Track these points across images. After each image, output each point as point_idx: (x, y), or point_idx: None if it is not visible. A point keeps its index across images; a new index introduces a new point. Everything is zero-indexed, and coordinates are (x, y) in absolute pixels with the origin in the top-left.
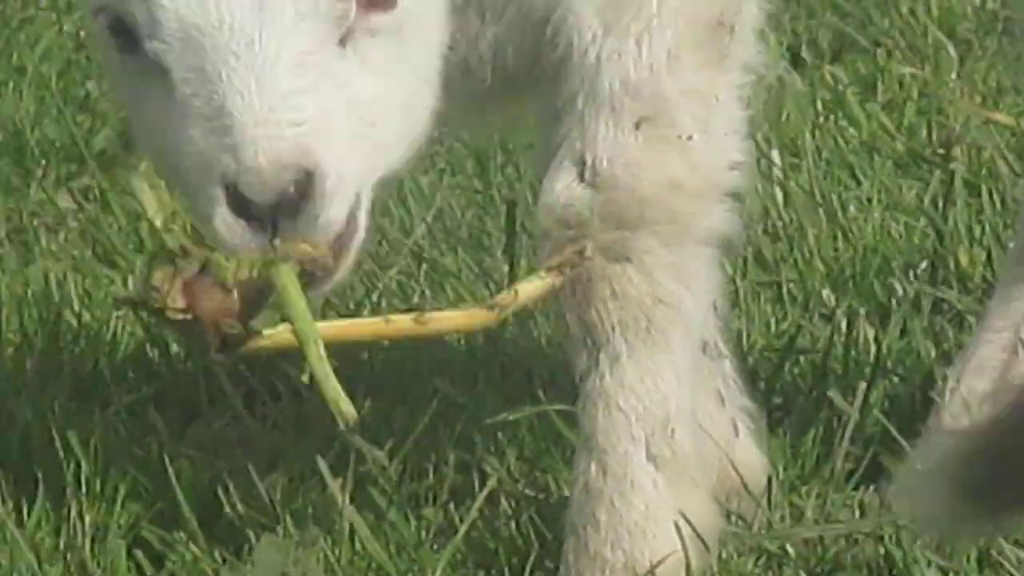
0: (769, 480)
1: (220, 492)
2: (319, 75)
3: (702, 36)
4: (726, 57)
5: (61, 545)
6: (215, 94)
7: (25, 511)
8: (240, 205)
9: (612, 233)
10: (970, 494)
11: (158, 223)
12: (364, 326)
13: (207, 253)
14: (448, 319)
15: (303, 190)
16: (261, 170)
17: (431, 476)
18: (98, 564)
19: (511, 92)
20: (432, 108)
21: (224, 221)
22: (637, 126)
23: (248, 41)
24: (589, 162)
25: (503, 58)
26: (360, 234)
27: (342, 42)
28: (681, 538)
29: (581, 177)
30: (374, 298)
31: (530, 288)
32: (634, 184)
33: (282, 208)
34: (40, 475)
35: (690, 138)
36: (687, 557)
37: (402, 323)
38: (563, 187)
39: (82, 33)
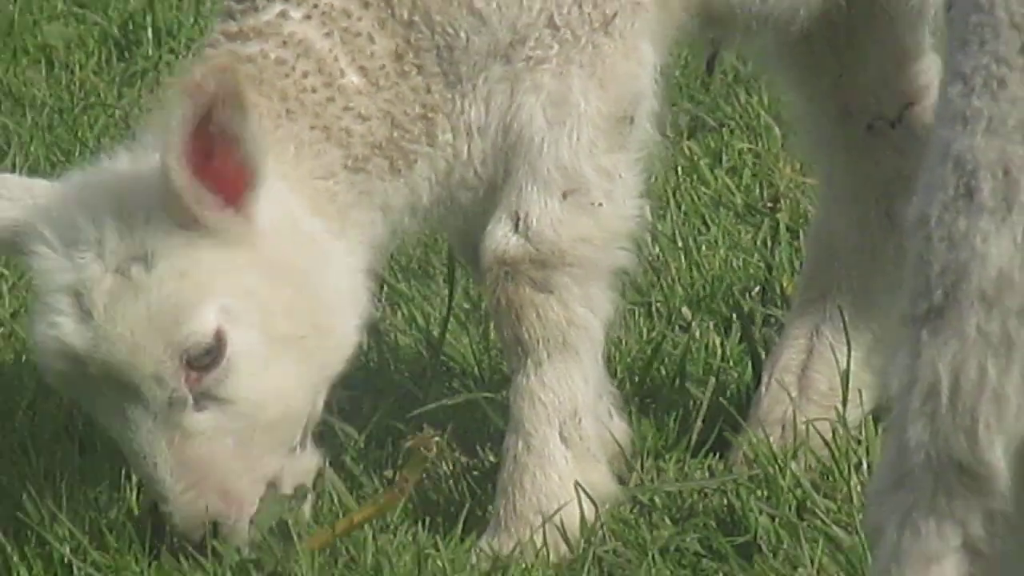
0: (642, 448)
1: None
2: (187, 446)
3: (612, 128)
4: (627, 141)
5: None
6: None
7: None
8: None
9: (538, 271)
10: None
11: None
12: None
13: None
14: (377, 508)
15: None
16: (181, 532)
17: (390, 446)
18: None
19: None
20: (339, 343)
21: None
22: (564, 196)
23: (130, 442)
24: (522, 218)
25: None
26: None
27: (198, 402)
28: (580, 499)
29: (515, 229)
30: None
31: (415, 473)
32: (556, 238)
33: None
34: None
35: (600, 204)
36: (582, 512)
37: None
38: (502, 235)
39: None
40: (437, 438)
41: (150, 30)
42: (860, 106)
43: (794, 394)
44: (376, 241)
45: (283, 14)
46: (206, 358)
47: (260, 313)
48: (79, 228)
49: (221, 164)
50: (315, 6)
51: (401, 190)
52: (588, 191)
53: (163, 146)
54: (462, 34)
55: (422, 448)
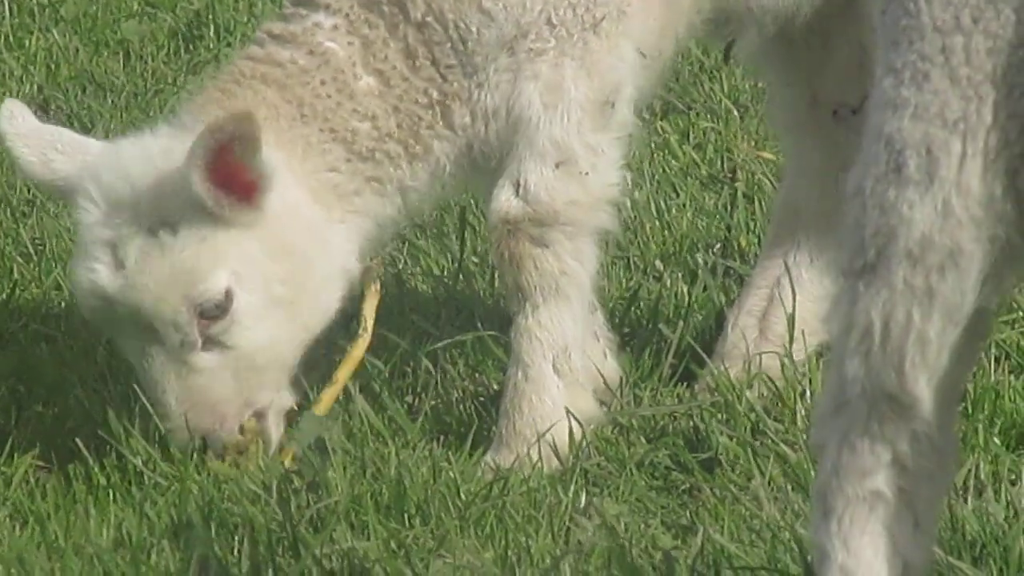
0: (621, 380)
1: None
2: (192, 377)
3: (596, 111)
4: (609, 122)
5: None
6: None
7: None
8: None
9: (535, 229)
10: None
11: None
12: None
13: None
14: (353, 359)
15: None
16: (175, 445)
17: (410, 376)
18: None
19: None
20: (322, 307)
21: None
22: (556, 166)
23: (144, 370)
24: (522, 184)
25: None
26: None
27: (205, 345)
28: (570, 421)
29: (516, 193)
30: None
31: (372, 308)
32: (550, 201)
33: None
34: None
35: (586, 174)
36: (571, 431)
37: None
38: (505, 199)
39: None
40: (378, 264)
41: (212, 27)
42: (827, 95)
43: (755, 335)
44: (388, 219)
45: (318, 24)
46: (215, 311)
47: (262, 279)
48: (120, 191)
49: (238, 171)
50: (346, 16)
51: (420, 172)
52: (576, 162)
53: (187, 159)
54: (474, 28)
55: (373, 280)
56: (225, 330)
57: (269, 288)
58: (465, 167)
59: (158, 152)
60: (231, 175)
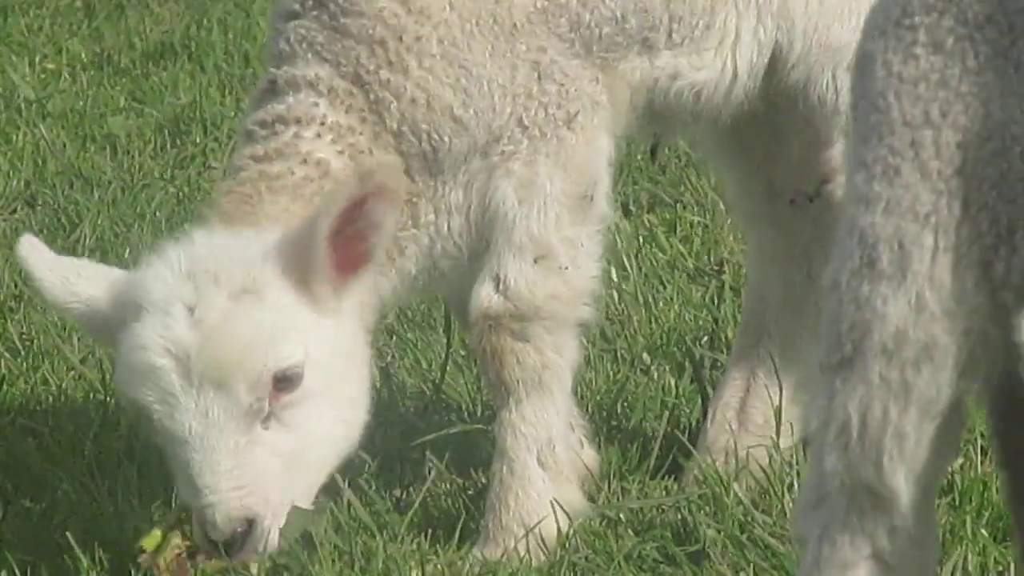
0: (609, 472)
1: None
2: (250, 451)
3: (575, 205)
4: (588, 216)
5: None
6: (188, 469)
7: None
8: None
9: (516, 324)
10: None
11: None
12: None
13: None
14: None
15: (247, 531)
16: (215, 525)
17: (398, 469)
18: None
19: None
20: (359, 422)
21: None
22: (535, 261)
23: (199, 439)
24: (502, 280)
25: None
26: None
27: (265, 421)
28: (556, 514)
29: (497, 289)
30: None
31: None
32: (531, 296)
33: (233, 542)
34: None
35: (566, 268)
36: (558, 524)
37: None
38: (485, 294)
39: None
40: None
41: (198, 122)
42: (783, 184)
43: (735, 426)
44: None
45: (297, 135)
46: (291, 380)
47: (329, 371)
48: (199, 263)
49: (347, 245)
50: (322, 123)
51: (392, 279)
52: (556, 257)
53: (323, 206)
54: (446, 139)
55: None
56: (291, 406)
57: (333, 381)
58: (429, 267)
59: (226, 239)
60: (343, 243)
